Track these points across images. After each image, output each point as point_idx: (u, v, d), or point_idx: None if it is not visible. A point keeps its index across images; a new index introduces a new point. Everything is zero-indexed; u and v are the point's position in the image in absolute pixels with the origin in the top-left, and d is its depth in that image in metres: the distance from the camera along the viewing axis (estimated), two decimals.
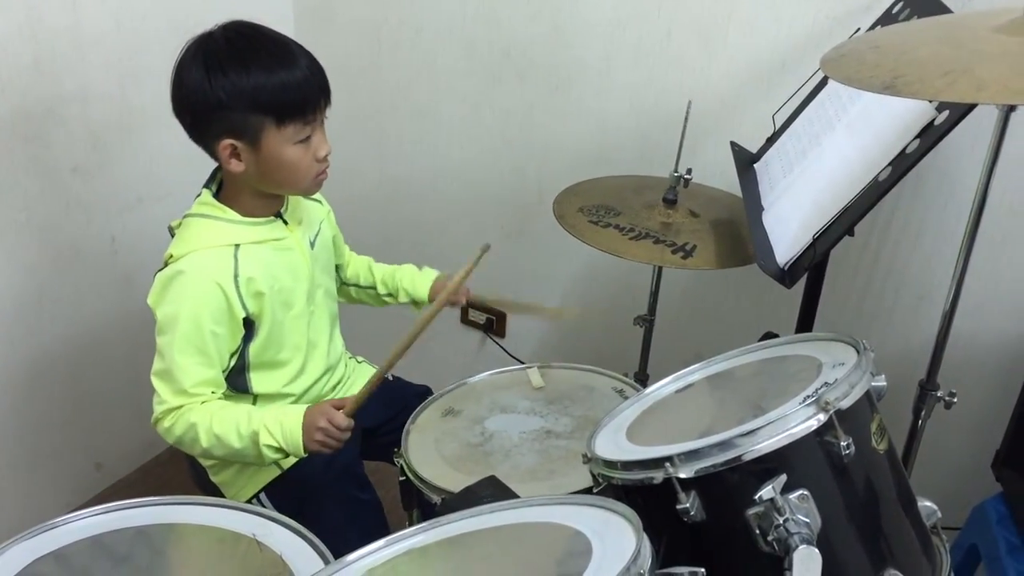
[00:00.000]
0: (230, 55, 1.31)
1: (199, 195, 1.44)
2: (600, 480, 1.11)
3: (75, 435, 2.17)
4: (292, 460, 1.49)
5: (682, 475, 1.00)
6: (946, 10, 1.39)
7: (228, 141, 1.34)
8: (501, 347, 2.40)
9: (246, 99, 1.31)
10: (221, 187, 1.45)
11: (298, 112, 1.34)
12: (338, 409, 1.39)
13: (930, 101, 1.26)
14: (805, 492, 0.99)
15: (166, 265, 1.39)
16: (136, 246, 2.13)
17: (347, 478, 1.56)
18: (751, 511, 0.98)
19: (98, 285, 2.10)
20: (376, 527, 1.57)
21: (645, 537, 0.84)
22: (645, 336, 1.88)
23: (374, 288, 1.75)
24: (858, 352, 1.10)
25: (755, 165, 1.69)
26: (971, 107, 1.16)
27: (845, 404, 1.01)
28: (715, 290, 2.01)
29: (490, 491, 1.17)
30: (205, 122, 1.35)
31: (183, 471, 1.68)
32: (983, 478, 1.68)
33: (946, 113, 1.21)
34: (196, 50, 1.33)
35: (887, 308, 1.82)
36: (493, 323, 2.39)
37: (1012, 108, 1.16)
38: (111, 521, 1.18)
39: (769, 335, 1.38)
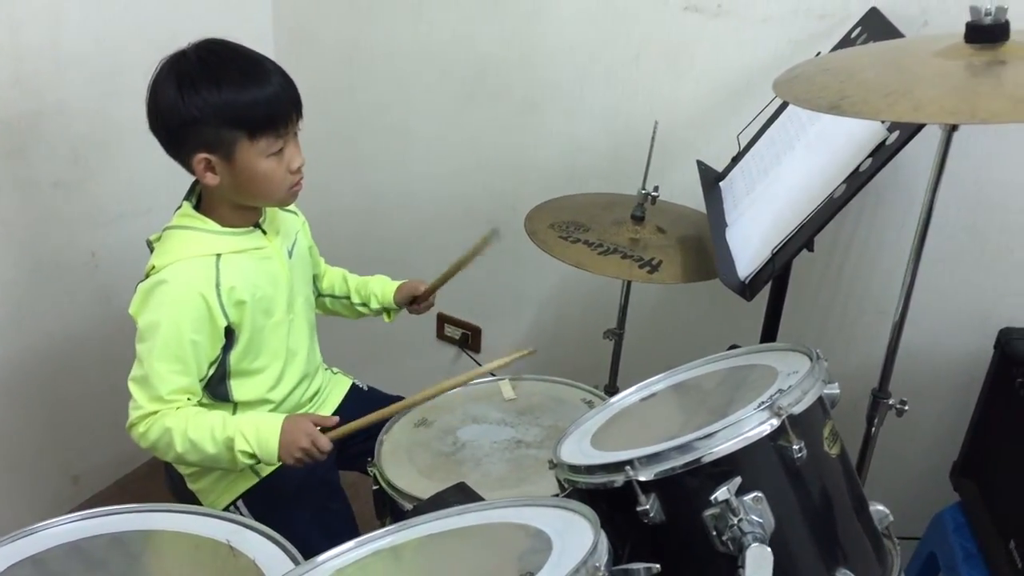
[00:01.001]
0: (202, 72, 1.35)
1: (179, 207, 1.48)
2: (566, 485, 1.15)
3: (53, 449, 2.19)
4: (267, 467, 1.52)
5: (642, 478, 1.04)
6: (899, 34, 1.45)
7: (202, 155, 1.37)
8: (476, 362, 2.43)
9: (218, 114, 1.35)
10: (200, 200, 1.48)
11: (270, 125, 1.38)
12: (322, 429, 1.42)
13: (883, 122, 1.32)
14: (759, 494, 1.02)
15: (147, 276, 1.42)
16: (116, 261, 2.15)
17: (323, 488, 1.59)
18: (708, 512, 1.02)
19: (77, 300, 2.12)
20: (348, 537, 1.60)
21: (603, 533, 0.88)
22: (615, 349, 1.92)
23: (348, 297, 1.78)
24: (811, 360, 1.15)
25: (720, 184, 1.75)
26: (919, 127, 1.22)
27: (797, 409, 1.06)
28: (683, 305, 2.06)
29: (459, 497, 1.21)
30: (179, 137, 1.38)
31: (160, 484, 1.69)
32: (943, 488, 1.73)
33: (896, 133, 1.27)
34: (169, 68, 1.37)
35: (849, 323, 1.87)
36: (468, 338, 2.43)
37: (954, 128, 1.21)
38: (88, 527, 1.20)
39: (733, 347, 1.42)
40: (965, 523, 1.63)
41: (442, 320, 2.45)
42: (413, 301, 1.77)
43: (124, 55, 2.02)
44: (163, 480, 1.68)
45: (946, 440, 1.76)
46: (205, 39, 1.41)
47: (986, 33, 1.07)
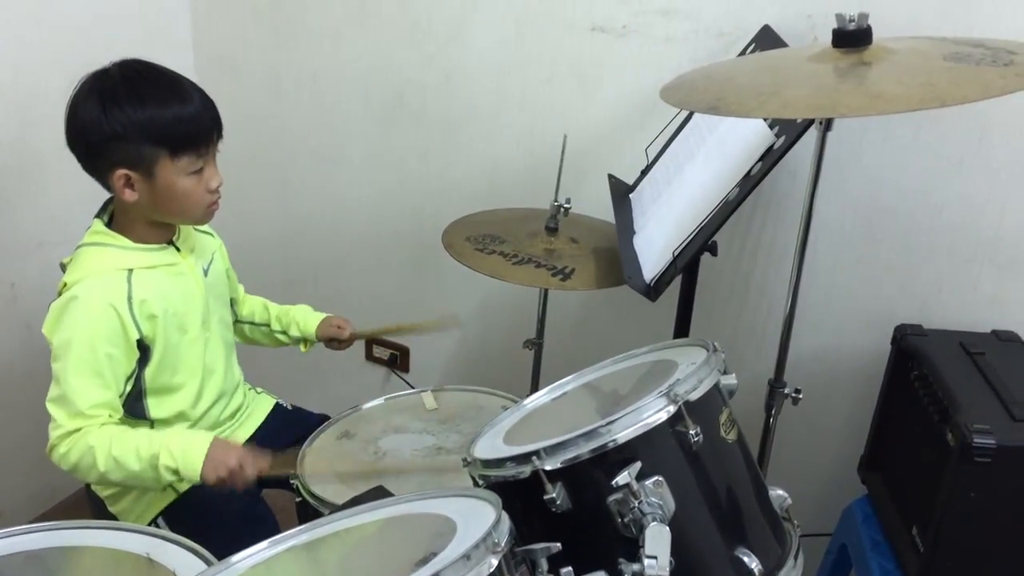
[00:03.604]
0: (125, 89, 1.37)
1: (90, 226, 1.48)
2: (479, 481, 1.18)
3: None
4: (186, 484, 1.52)
5: (548, 467, 1.08)
6: (785, 45, 1.55)
7: (122, 171, 1.38)
8: (406, 382, 2.46)
9: (141, 131, 1.36)
10: (113, 218, 1.49)
11: (191, 144, 1.40)
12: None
13: (771, 128, 1.40)
14: (659, 478, 1.07)
15: (60, 295, 1.42)
16: (36, 292, 2.14)
17: (244, 501, 1.59)
18: (611, 498, 1.06)
19: None
20: None
21: (505, 514, 0.92)
22: (535, 359, 1.97)
23: (268, 325, 1.80)
24: (708, 352, 1.21)
25: (630, 195, 1.82)
26: (803, 131, 1.30)
27: (694, 396, 1.11)
28: (599, 314, 2.13)
29: (376, 497, 1.23)
30: (99, 153, 1.39)
31: (86, 517, 1.67)
32: (853, 484, 1.80)
33: (783, 138, 1.35)
34: (91, 85, 1.39)
35: (759, 326, 1.94)
36: (397, 358, 2.46)
37: (828, 128, 1.30)
38: (4, 546, 1.18)
39: None
40: (872, 514, 1.70)
41: (370, 341, 2.47)
42: (334, 339, 1.79)
43: (43, 84, 2.02)
44: (87, 511, 1.66)
45: (854, 436, 1.83)
46: (126, 58, 1.43)
47: (850, 38, 1.16)
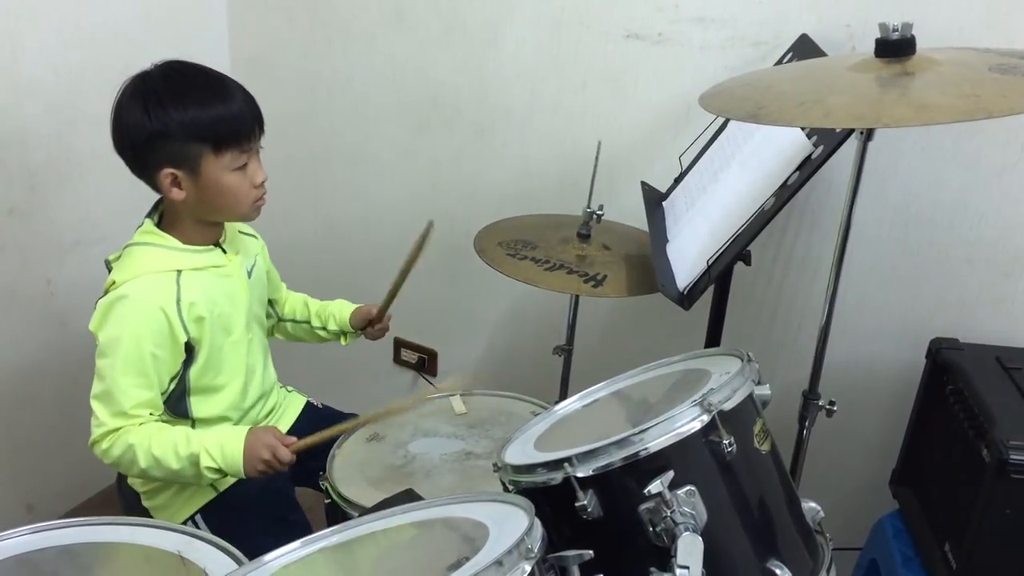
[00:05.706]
0: (167, 89, 1.39)
1: (141, 225, 1.50)
2: (510, 486, 1.18)
3: (7, 477, 2.17)
4: (229, 480, 1.54)
5: (580, 474, 1.07)
6: (823, 54, 1.53)
7: (169, 171, 1.40)
8: (433, 385, 2.46)
9: (184, 129, 1.38)
10: (162, 218, 1.51)
11: (234, 140, 1.42)
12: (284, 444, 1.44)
13: (809, 137, 1.39)
14: (692, 487, 1.06)
15: (107, 292, 1.44)
16: (72, 289, 2.16)
17: (279, 500, 1.61)
18: (643, 507, 1.06)
19: (33, 327, 2.13)
20: None
21: (537, 520, 0.92)
22: (565, 365, 1.96)
23: (308, 322, 1.82)
24: (742, 361, 1.20)
25: (663, 203, 1.81)
26: (842, 141, 1.29)
27: (727, 406, 1.10)
28: (630, 321, 2.12)
29: (405, 501, 1.23)
30: (145, 154, 1.41)
31: (116, 512, 1.69)
32: (884, 497, 1.78)
33: (821, 148, 1.34)
34: (134, 87, 1.41)
35: (791, 336, 1.93)
36: (425, 362, 2.46)
37: (869, 138, 1.28)
38: (37, 540, 1.20)
39: None
40: (903, 529, 1.68)
41: (399, 344, 2.48)
42: (368, 324, 1.80)
43: (82, 85, 2.05)
44: (118, 506, 1.67)
45: (886, 449, 1.81)
46: (167, 60, 1.45)
47: (894, 48, 1.15)
